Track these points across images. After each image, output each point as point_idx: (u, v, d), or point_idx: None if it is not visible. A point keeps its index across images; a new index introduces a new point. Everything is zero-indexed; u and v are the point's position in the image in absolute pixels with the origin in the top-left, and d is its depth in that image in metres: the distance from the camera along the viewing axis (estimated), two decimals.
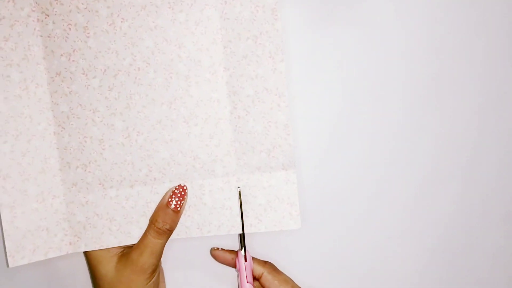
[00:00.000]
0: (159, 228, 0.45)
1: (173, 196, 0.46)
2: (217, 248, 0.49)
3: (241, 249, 0.47)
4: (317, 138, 0.50)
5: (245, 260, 0.47)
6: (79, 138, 0.46)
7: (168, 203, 0.46)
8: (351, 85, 0.50)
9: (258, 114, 0.46)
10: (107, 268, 0.46)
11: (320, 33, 0.49)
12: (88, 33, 0.45)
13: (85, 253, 0.48)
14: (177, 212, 0.46)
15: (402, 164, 0.51)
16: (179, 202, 0.46)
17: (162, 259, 0.48)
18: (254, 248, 0.50)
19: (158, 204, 0.47)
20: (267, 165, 0.47)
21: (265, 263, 0.48)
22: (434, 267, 0.53)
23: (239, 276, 0.48)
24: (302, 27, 0.49)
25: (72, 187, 0.46)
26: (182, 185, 0.47)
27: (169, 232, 0.46)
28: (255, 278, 0.48)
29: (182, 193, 0.46)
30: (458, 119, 0.51)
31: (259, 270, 0.47)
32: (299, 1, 0.48)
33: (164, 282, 0.50)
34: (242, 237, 0.47)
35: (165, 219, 0.46)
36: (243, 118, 0.46)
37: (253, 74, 0.46)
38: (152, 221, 0.46)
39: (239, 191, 0.47)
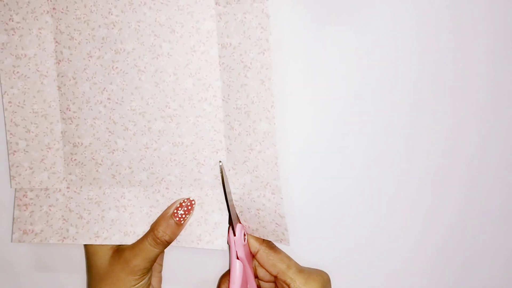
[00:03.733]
0: (158, 238, 0.45)
1: (179, 208, 0.46)
2: None
3: (229, 226, 0.47)
4: (317, 138, 0.50)
5: (234, 235, 0.46)
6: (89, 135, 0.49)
7: (173, 214, 0.46)
8: (351, 85, 0.49)
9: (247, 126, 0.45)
10: (102, 260, 0.47)
11: (320, 33, 0.48)
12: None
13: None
14: (179, 225, 0.46)
15: (402, 164, 0.50)
16: (183, 216, 0.46)
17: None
18: None
19: (163, 213, 0.47)
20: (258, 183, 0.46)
21: (263, 241, 0.47)
22: (434, 267, 0.52)
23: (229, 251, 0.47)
24: (302, 27, 0.48)
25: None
26: (191, 199, 0.47)
27: (167, 243, 0.46)
28: (253, 256, 0.47)
29: (189, 206, 0.46)
30: (459, 119, 0.50)
31: (255, 247, 0.46)
32: (299, 1, 0.48)
33: (160, 282, 0.51)
34: (229, 212, 0.46)
35: (165, 230, 0.45)
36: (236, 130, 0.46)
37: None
38: (153, 228, 0.46)
39: (221, 166, 0.46)
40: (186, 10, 0.45)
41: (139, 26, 0.46)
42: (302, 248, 0.50)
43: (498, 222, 0.52)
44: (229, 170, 0.46)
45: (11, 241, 0.49)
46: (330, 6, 0.47)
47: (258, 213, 0.45)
